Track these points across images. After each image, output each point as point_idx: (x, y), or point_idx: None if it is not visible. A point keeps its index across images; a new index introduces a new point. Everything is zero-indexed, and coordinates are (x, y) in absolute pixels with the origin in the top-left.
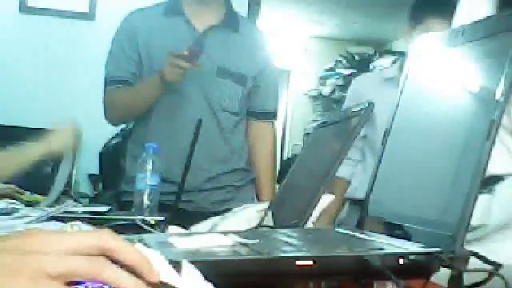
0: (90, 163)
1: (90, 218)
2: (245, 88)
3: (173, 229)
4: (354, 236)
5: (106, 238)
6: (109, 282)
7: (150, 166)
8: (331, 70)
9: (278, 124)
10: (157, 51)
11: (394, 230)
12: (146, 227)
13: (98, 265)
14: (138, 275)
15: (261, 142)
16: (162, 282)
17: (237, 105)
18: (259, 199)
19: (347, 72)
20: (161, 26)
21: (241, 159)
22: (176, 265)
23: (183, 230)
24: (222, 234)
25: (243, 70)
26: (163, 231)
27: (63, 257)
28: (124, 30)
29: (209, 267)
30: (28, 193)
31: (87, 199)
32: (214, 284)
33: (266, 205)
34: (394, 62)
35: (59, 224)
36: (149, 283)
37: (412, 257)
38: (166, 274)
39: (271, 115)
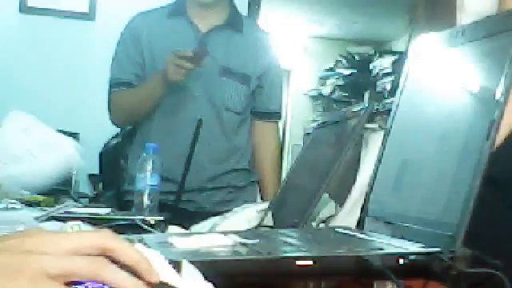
0: (90, 163)
1: (90, 218)
2: (248, 88)
3: (173, 229)
4: (354, 236)
5: (106, 238)
6: (108, 282)
7: (150, 166)
8: (331, 70)
9: (278, 124)
10: (160, 52)
11: (394, 229)
12: (146, 227)
13: (97, 265)
14: (138, 275)
15: (265, 142)
16: (161, 282)
17: (240, 104)
18: (263, 199)
19: (347, 72)
20: (164, 27)
21: (243, 159)
22: (176, 265)
23: (183, 230)
24: (222, 234)
25: (247, 69)
26: (163, 231)
27: (63, 257)
28: (128, 33)
29: (209, 267)
30: (28, 193)
31: (87, 199)
32: (214, 284)
33: (265, 205)
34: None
35: (59, 224)
36: (149, 283)
37: (412, 257)
38: (165, 274)
39: (275, 115)
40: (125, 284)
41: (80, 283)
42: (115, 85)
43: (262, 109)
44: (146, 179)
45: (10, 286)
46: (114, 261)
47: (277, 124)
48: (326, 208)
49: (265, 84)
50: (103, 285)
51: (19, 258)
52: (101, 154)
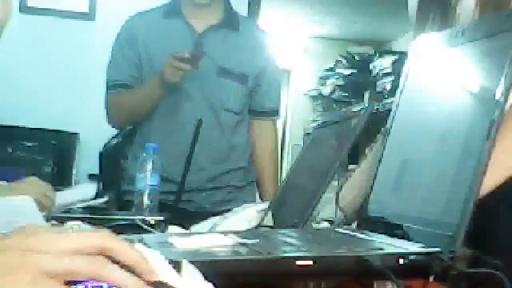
0: (89, 163)
1: (90, 218)
2: (246, 87)
3: (173, 229)
4: (354, 236)
5: (106, 238)
6: (108, 281)
7: (149, 166)
8: (331, 70)
9: (278, 124)
10: (156, 53)
11: (394, 229)
12: (146, 227)
13: (97, 264)
14: (137, 275)
15: (263, 140)
16: (160, 282)
17: (238, 104)
18: (262, 198)
19: (347, 72)
20: (160, 27)
21: (242, 159)
22: (176, 265)
23: (183, 230)
24: (222, 234)
25: (244, 68)
26: (163, 231)
27: (63, 256)
28: (124, 34)
29: (209, 267)
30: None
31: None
32: (214, 284)
33: (265, 205)
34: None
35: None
36: (148, 283)
37: (412, 257)
38: (166, 273)
39: (273, 113)
40: (125, 283)
41: (79, 283)
42: (112, 86)
43: (260, 107)
44: (146, 179)
45: (10, 285)
46: (114, 261)
47: (274, 122)
48: (326, 208)
49: (262, 83)
50: (101, 285)
51: (19, 257)
52: (101, 154)
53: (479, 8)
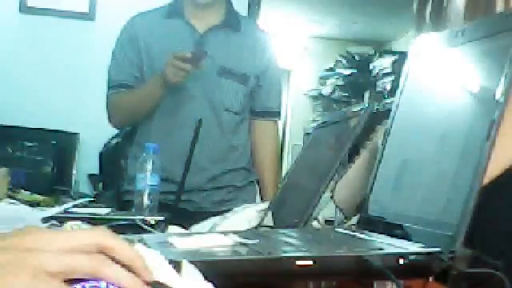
0: (90, 163)
1: (90, 218)
2: (247, 87)
3: (173, 229)
4: (354, 236)
5: (104, 236)
6: (108, 278)
7: (149, 166)
8: (331, 69)
9: (278, 124)
10: (158, 53)
11: (394, 229)
12: (146, 227)
13: (97, 262)
14: (134, 273)
15: (264, 141)
16: (159, 282)
17: (239, 104)
18: (263, 198)
19: (347, 72)
20: (161, 28)
21: (243, 159)
22: (176, 265)
23: (183, 230)
24: (222, 234)
25: (245, 69)
26: (163, 231)
27: (62, 254)
28: (125, 34)
29: (209, 267)
30: (28, 193)
31: (87, 199)
32: (214, 284)
33: (266, 205)
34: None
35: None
36: (144, 282)
37: (412, 257)
38: (165, 274)
39: (274, 114)
40: (124, 281)
41: (77, 283)
42: (113, 86)
43: (261, 108)
44: (146, 179)
45: (10, 284)
46: (112, 259)
47: (276, 123)
48: (326, 208)
49: (263, 83)
50: (99, 286)
51: (19, 255)
52: (101, 154)
53: (469, 9)
